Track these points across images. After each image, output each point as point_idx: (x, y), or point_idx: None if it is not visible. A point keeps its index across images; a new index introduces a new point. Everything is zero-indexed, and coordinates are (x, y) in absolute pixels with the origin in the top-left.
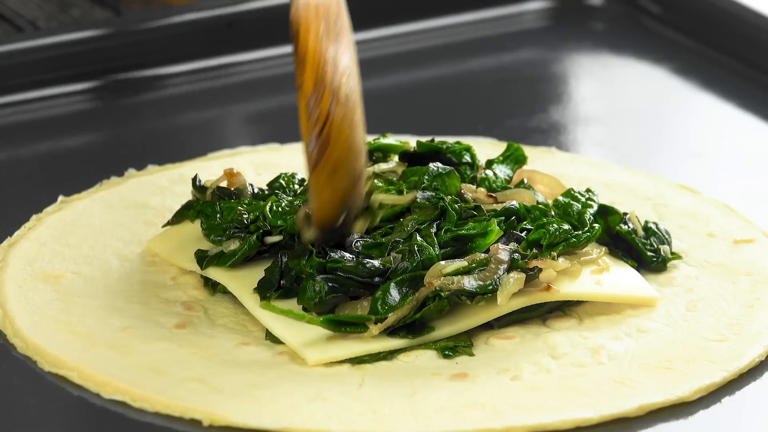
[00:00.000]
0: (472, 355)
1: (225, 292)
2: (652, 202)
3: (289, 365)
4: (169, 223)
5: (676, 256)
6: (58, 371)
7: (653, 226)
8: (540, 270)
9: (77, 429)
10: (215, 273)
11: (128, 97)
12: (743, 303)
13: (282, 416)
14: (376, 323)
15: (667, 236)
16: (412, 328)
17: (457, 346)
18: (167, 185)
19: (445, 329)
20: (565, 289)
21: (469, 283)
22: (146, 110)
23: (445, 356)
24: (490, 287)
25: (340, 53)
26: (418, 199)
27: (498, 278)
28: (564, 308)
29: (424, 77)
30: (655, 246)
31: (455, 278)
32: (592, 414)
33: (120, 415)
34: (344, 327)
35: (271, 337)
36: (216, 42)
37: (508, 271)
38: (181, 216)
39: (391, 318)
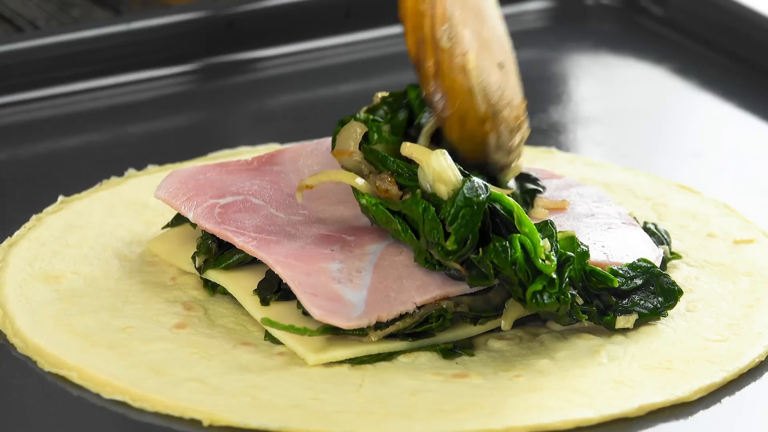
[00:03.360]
0: (472, 355)
1: (225, 292)
2: (652, 202)
3: (289, 365)
4: (169, 225)
5: (676, 256)
6: (58, 371)
7: (653, 227)
8: None
9: (77, 429)
10: (215, 275)
11: (127, 97)
12: (743, 303)
13: (282, 416)
14: (375, 330)
15: (666, 236)
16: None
17: (457, 347)
18: None
19: (446, 335)
20: None
21: (475, 305)
22: (145, 110)
23: (445, 357)
24: (496, 310)
25: (437, 2)
26: None
27: (504, 300)
28: None
29: None
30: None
31: (463, 299)
32: (592, 414)
33: (120, 415)
34: (344, 331)
35: (271, 338)
36: (216, 42)
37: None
38: (181, 218)
39: (391, 328)
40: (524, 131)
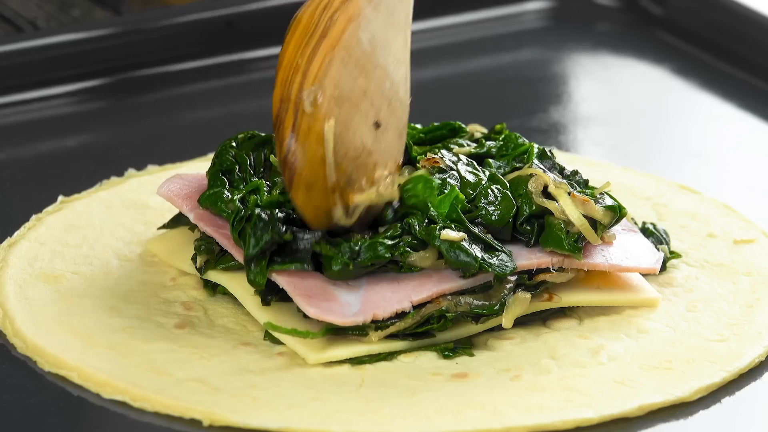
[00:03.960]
0: (472, 355)
1: (225, 292)
2: (652, 202)
3: (289, 365)
4: (165, 227)
5: (675, 255)
6: (58, 371)
7: (651, 227)
8: (546, 287)
9: (77, 429)
10: (216, 275)
11: (128, 97)
12: (743, 303)
13: (282, 416)
14: (376, 330)
15: (665, 236)
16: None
17: (457, 347)
18: None
19: (446, 334)
20: (567, 297)
21: (476, 303)
22: (146, 110)
23: (446, 356)
24: (497, 308)
25: (316, 56)
26: None
27: (505, 298)
28: (564, 309)
29: (424, 77)
30: None
31: (462, 299)
32: (592, 414)
33: (120, 415)
34: (345, 331)
35: (271, 337)
36: (216, 42)
37: (515, 289)
38: (178, 220)
39: (392, 328)
40: (393, 190)
